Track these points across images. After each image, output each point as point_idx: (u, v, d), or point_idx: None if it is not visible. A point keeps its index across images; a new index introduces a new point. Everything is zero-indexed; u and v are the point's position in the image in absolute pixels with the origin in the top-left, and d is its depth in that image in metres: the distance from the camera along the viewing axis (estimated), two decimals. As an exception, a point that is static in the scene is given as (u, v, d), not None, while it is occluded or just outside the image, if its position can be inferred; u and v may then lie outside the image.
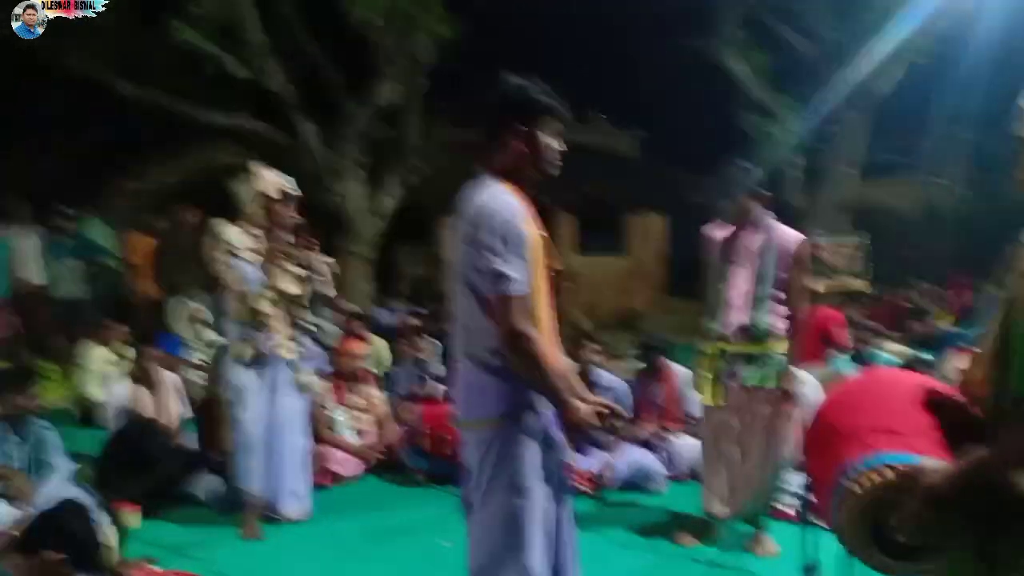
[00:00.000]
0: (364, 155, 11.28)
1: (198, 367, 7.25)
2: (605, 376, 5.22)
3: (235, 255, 4.41)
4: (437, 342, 6.41)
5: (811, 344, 5.34)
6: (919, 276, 12.29)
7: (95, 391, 6.69)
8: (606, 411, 2.37)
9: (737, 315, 3.99)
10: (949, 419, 1.90)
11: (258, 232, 4.48)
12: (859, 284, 10.57)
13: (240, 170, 4.49)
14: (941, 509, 1.70)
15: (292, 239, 4.54)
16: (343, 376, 5.85)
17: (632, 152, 19.19)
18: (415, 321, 7.50)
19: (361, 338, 6.47)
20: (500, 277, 2.25)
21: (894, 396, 2.00)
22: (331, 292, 4.86)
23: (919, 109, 12.94)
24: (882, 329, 7.32)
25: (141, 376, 5.50)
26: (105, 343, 7.11)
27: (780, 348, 4.00)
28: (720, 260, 4.09)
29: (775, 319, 3.97)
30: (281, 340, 4.50)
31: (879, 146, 12.86)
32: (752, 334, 3.98)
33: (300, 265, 4.59)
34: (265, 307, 4.44)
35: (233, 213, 4.55)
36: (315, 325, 5.00)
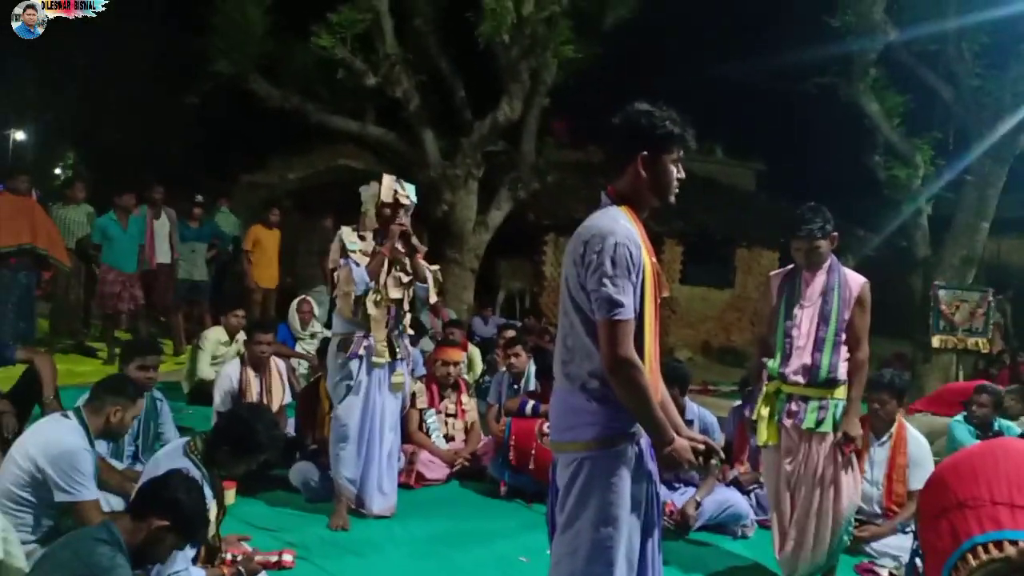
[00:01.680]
0: (478, 167, 11.45)
1: (302, 357, 7.49)
2: (692, 407, 5.09)
3: (347, 255, 4.56)
4: (530, 357, 6.38)
5: (939, 404, 5.08)
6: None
7: (207, 370, 6.95)
8: (703, 448, 2.34)
9: (799, 356, 3.88)
10: None
11: (369, 235, 4.63)
12: (978, 343, 9.94)
13: (363, 173, 4.59)
14: None
15: (401, 245, 4.65)
16: (437, 381, 5.89)
17: (748, 184, 18.75)
18: (512, 333, 7.51)
19: (458, 345, 6.53)
20: (609, 301, 2.23)
21: (1020, 469, 1.88)
22: (433, 298, 4.85)
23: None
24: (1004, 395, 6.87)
25: (251, 360, 5.65)
26: (221, 325, 7.35)
27: (841, 393, 3.88)
28: (783, 299, 3.98)
29: (839, 363, 3.85)
30: (380, 341, 4.60)
31: (1012, 200, 12.10)
32: (813, 376, 3.86)
33: (405, 271, 4.68)
34: (369, 308, 4.55)
35: (355, 215, 4.74)
36: (414, 329, 5.04)
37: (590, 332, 2.30)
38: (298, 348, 7.75)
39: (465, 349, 7.55)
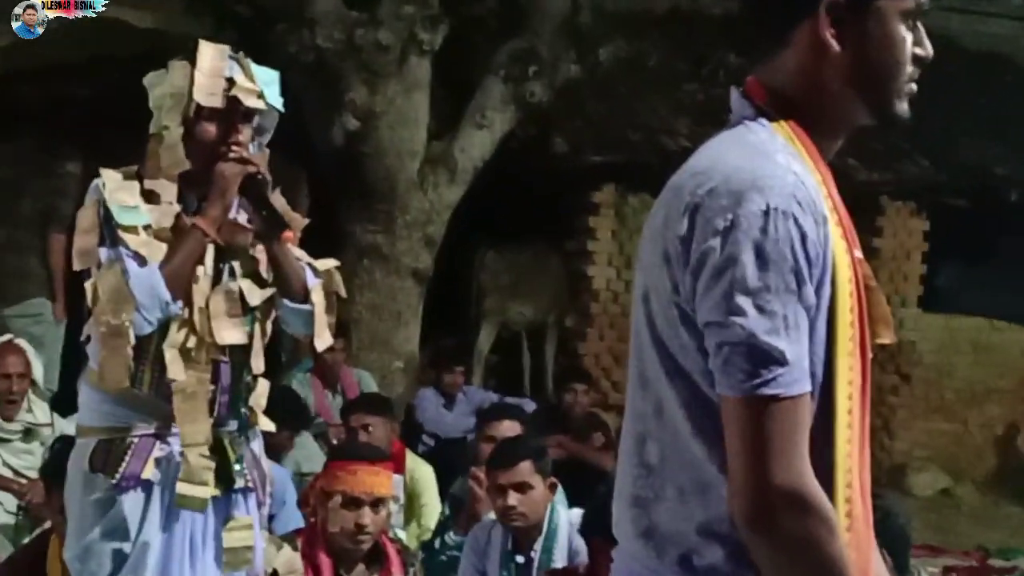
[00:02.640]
0: (432, 28, 6.37)
1: (7, 486, 4.59)
2: None
3: (115, 239, 2.65)
4: (555, 483, 3.85)
5: None
6: None
7: None
8: None
9: None
10: None
11: (169, 188, 2.72)
12: None
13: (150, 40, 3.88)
14: None
15: (246, 212, 2.79)
16: (329, 545, 3.54)
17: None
18: (513, 428, 4.69)
19: (382, 459, 4.03)
20: (751, 350, 1.21)
21: None
22: (323, 342, 2.96)
23: None
24: None
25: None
26: None
27: None
28: None
29: None
30: (193, 444, 2.80)
31: None
32: None
33: (255, 276, 2.82)
34: (170, 367, 2.72)
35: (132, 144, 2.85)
36: (277, 416, 3.18)
37: (702, 426, 1.28)
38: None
39: (400, 470, 4.72)
